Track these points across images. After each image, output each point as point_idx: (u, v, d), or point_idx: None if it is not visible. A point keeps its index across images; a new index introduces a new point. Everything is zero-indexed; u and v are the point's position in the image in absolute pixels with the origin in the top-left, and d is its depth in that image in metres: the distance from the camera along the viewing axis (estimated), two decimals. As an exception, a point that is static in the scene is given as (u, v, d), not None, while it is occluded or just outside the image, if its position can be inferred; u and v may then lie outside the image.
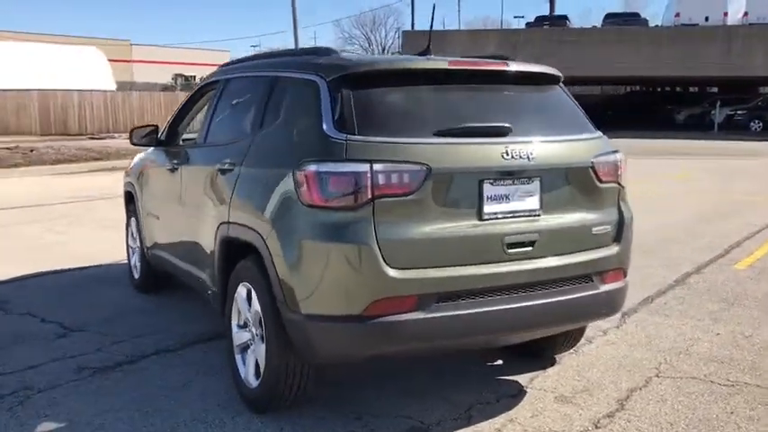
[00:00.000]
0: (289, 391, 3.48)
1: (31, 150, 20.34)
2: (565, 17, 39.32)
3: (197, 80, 57.76)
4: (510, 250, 3.33)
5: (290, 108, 3.62)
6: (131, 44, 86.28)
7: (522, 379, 4.16)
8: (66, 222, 9.65)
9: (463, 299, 3.22)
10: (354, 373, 4.17)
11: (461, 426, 3.56)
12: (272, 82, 3.90)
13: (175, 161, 4.87)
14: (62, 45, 42.38)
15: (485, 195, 3.30)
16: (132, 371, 4.25)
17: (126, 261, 6.45)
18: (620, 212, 3.75)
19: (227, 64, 5.16)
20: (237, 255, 3.71)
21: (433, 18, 4.10)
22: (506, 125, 3.39)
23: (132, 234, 6.13)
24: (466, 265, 3.25)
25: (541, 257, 3.42)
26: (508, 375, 4.22)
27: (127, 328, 5.03)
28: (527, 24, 38.96)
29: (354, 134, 3.16)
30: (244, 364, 3.75)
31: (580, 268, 3.54)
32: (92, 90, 33.17)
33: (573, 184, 3.58)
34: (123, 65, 79.10)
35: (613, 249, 3.69)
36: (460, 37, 35.14)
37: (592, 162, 3.60)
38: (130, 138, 5.23)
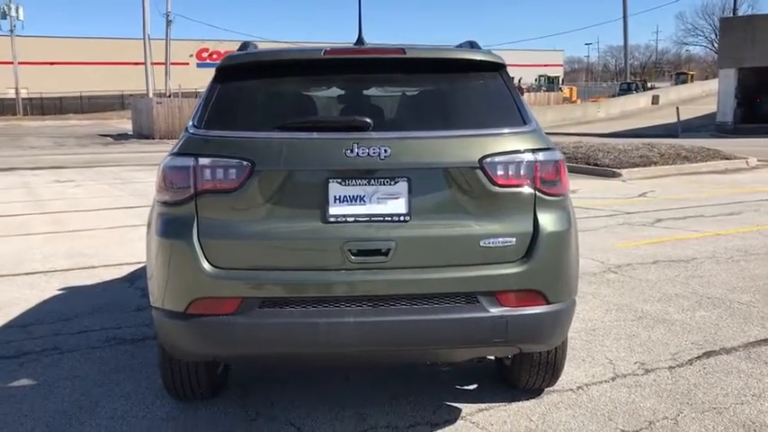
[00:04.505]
0: (181, 384, 3.56)
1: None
2: None
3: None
4: (355, 258, 2.98)
5: None
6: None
7: (469, 408, 3.67)
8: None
9: (292, 306, 2.99)
10: (291, 374, 4.09)
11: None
12: None
13: None
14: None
15: (331, 196, 3.00)
16: (124, 351, 4.59)
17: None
18: (537, 224, 3.09)
19: None
20: None
21: (360, 4, 3.77)
22: (359, 119, 3.02)
23: None
24: (301, 270, 3.01)
25: (400, 269, 3.00)
26: (461, 401, 3.75)
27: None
28: None
29: (200, 128, 3.13)
30: None
31: (457, 285, 3.01)
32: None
33: (456, 187, 3.05)
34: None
35: (517, 267, 3.05)
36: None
37: (480, 162, 3.04)
38: None
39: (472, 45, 3.66)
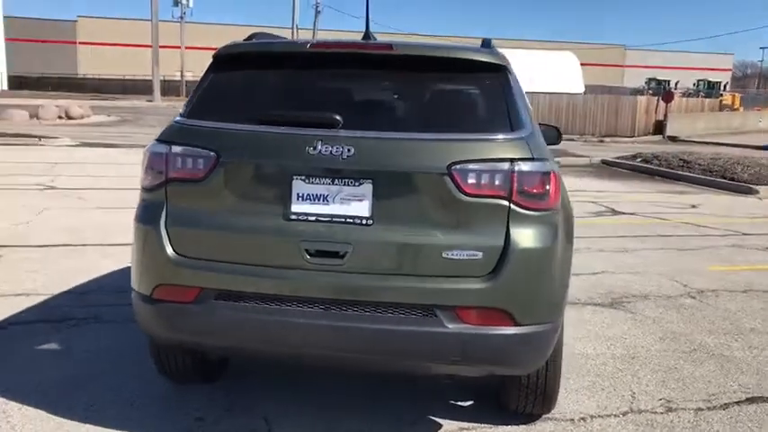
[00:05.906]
0: (168, 365, 3.64)
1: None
2: None
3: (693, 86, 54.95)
4: (311, 258, 2.89)
5: None
6: (625, 49, 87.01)
7: (451, 425, 3.50)
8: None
9: (246, 301, 2.95)
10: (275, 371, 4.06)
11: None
12: None
13: None
14: (541, 51, 44.98)
15: (294, 193, 2.93)
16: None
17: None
18: (508, 238, 2.85)
19: None
20: None
21: (368, 5, 3.63)
22: (327, 115, 2.91)
23: None
24: (258, 265, 2.96)
25: (355, 273, 2.87)
26: (446, 417, 3.57)
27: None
28: None
29: (183, 116, 3.17)
30: None
31: (413, 296, 2.84)
32: (560, 93, 33.79)
33: (423, 193, 2.87)
34: (616, 69, 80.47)
35: (482, 283, 2.83)
36: None
37: (449, 168, 2.84)
38: None
39: (483, 44, 3.45)
